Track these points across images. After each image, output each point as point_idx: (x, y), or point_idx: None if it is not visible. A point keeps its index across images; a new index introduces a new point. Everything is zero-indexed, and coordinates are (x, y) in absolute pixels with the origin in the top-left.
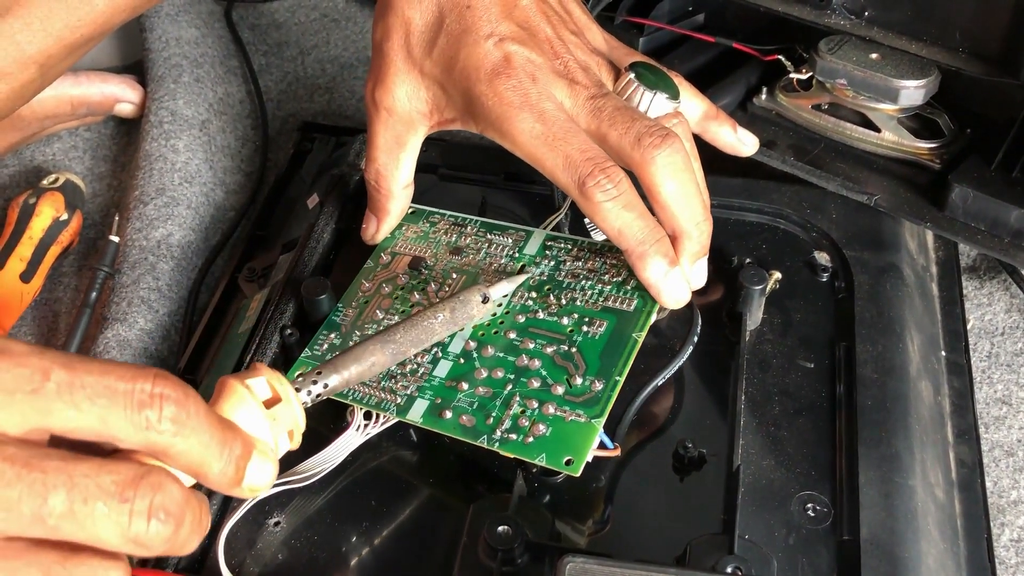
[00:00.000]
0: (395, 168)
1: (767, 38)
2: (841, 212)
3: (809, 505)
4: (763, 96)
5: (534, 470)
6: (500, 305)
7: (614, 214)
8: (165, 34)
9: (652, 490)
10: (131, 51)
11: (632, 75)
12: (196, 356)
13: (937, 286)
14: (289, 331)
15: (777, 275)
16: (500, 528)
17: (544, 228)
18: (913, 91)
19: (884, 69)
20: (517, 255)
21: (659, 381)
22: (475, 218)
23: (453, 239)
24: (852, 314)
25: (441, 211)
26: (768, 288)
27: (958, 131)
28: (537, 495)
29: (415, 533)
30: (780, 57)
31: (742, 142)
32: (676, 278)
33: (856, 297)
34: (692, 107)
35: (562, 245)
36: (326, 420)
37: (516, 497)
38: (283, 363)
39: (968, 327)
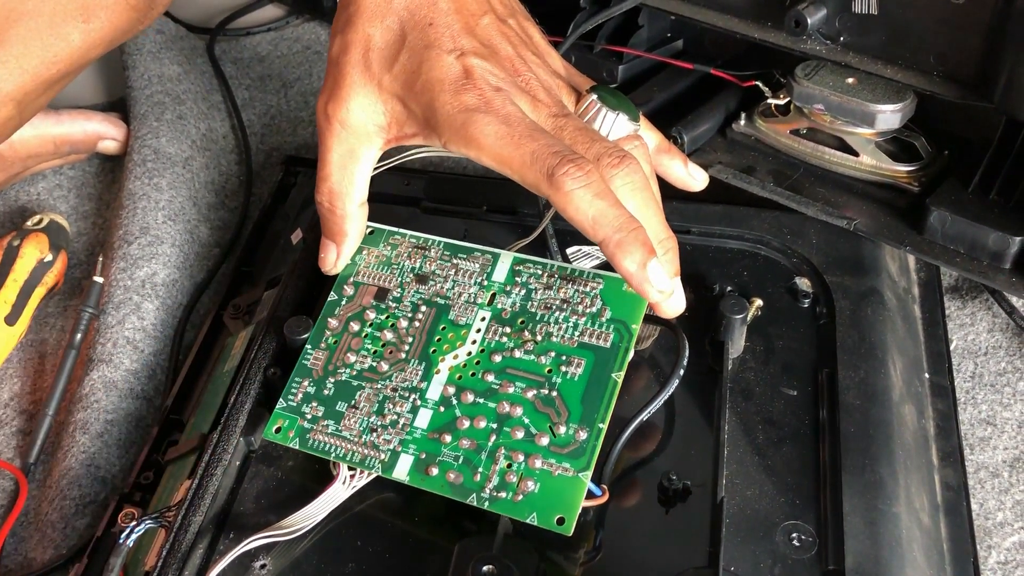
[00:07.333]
0: (350, 185)
1: (745, 64)
2: (821, 237)
3: (794, 535)
4: (742, 122)
5: None
6: (475, 343)
7: (587, 201)
8: (147, 71)
9: (638, 524)
10: (114, 88)
11: (595, 96)
12: (182, 395)
13: (919, 307)
14: (272, 370)
15: (758, 302)
16: (485, 568)
17: (512, 249)
18: (890, 115)
19: (860, 94)
20: (486, 282)
21: (644, 415)
22: (437, 239)
23: (417, 264)
24: (834, 340)
25: (401, 231)
26: (749, 316)
27: (936, 153)
28: (523, 532)
29: (401, 574)
30: (758, 83)
31: (692, 176)
32: (658, 269)
33: (838, 323)
34: (646, 139)
35: (532, 270)
36: (312, 474)
37: (501, 535)
38: (266, 403)
39: (951, 348)
